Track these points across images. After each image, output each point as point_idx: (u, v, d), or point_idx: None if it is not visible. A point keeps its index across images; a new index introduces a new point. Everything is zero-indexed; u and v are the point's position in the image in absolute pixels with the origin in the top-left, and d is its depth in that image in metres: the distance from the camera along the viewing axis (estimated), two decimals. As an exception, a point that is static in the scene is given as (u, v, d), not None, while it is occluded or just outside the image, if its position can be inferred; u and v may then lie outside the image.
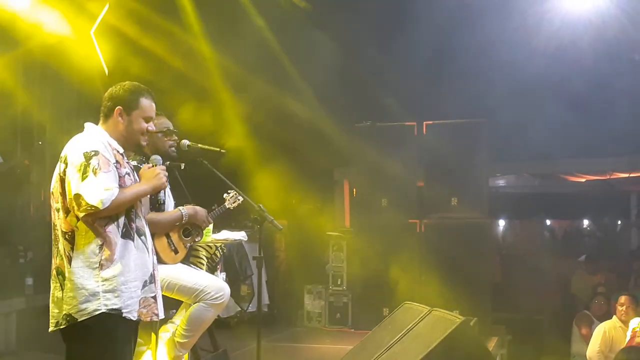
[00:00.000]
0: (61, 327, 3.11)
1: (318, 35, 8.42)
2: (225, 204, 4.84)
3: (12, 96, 7.29)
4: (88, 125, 3.38)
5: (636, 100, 8.34)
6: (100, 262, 3.11)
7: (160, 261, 4.37)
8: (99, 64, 7.21)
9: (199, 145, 4.57)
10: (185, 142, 4.55)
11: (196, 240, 4.63)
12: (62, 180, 3.17)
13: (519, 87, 8.42)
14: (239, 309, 7.21)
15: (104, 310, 3.08)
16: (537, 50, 8.11)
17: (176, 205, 4.54)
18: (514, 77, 8.21)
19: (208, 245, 4.92)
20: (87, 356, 3.14)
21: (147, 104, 3.39)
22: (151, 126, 3.42)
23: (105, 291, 3.09)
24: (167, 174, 3.40)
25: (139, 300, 3.19)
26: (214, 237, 5.10)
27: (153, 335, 4.37)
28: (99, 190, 3.06)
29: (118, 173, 3.20)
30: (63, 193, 3.16)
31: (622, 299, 6.79)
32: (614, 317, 6.80)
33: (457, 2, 7.77)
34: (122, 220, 3.20)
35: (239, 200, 4.80)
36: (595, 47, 8.26)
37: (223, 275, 6.13)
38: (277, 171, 8.31)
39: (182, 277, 4.41)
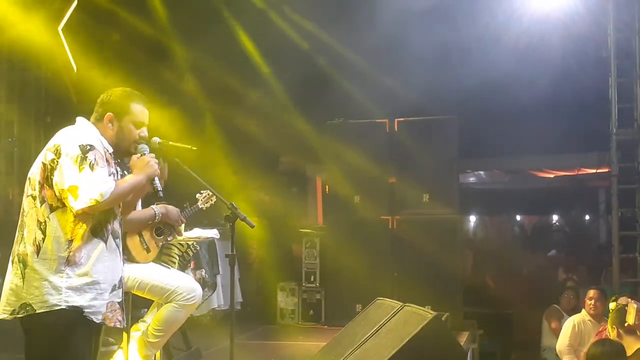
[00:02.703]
0: (18, 315, 3.05)
1: (287, 31, 8.43)
2: (198, 203, 4.82)
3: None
4: (80, 120, 3.31)
5: (603, 97, 8.46)
6: (67, 257, 3.05)
7: (132, 260, 4.35)
8: (67, 60, 7.13)
9: (170, 142, 4.53)
10: (156, 139, 4.49)
11: (168, 239, 4.61)
12: (47, 169, 3.08)
13: (489, 84, 8.49)
14: (212, 307, 7.18)
15: (63, 307, 3.02)
16: (507, 48, 8.19)
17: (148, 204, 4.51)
18: (484, 74, 8.27)
19: (180, 244, 4.90)
20: (42, 348, 3.07)
21: (139, 109, 3.35)
22: (143, 132, 3.37)
23: (69, 288, 3.03)
24: (157, 161, 3.35)
25: (106, 304, 3.13)
26: (186, 235, 5.07)
27: (124, 334, 4.35)
28: (99, 184, 3.02)
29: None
30: (44, 182, 3.09)
31: (591, 293, 6.88)
32: (583, 311, 6.89)
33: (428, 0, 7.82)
34: (97, 219, 3.14)
35: (211, 200, 4.78)
36: (564, 44, 8.37)
37: (202, 272, 6.11)
38: (247, 168, 8.31)
39: (153, 276, 4.38)
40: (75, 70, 7.05)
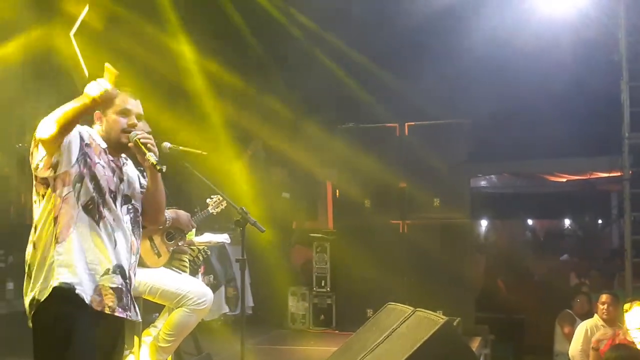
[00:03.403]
0: (29, 316, 3.04)
1: (299, 37, 8.44)
2: (209, 208, 4.83)
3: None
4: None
5: (615, 101, 8.42)
6: (55, 234, 3.02)
7: (143, 264, 4.36)
8: (79, 65, 7.15)
9: (180, 147, 4.54)
10: (167, 144, 4.52)
11: (179, 244, 4.62)
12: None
13: (500, 87, 8.47)
14: (223, 312, 7.18)
15: (56, 285, 2.97)
16: (518, 51, 8.16)
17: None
18: (495, 77, 8.26)
19: (190, 248, 4.90)
20: (43, 338, 3.03)
21: (120, 98, 3.20)
22: (131, 120, 3.24)
23: (60, 265, 3.00)
24: (105, 87, 2.97)
25: (95, 287, 3.04)
26: (197, 239, 5.08)
27: (136, 338, 4.35)
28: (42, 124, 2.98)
29: (88, 154, 3.10)
30: (34, 174, 3.12)
31: (604, 297, 6.84)
32: (596, 315, 6.84)
33: (437, 3, 7.81)
34: (86, 193, 3.08)
35: (222, 205, 4.79)
36: (575, 48, 8.33)
37: (210, 277, 6.11)
38: (256, 171, 8.30)
39: (164, 281, 4.39)
40: (87, 75, 7.07)
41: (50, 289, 2.99)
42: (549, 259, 12.38)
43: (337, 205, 8.61)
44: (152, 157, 3.16)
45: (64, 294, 2.99)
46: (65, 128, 2.99)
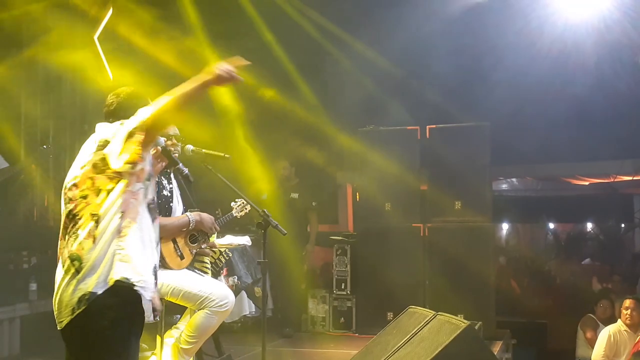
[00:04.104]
0: (78, 312, 2.96)
1: (318, 39, 8.44)
2: (233, 212, 4.86)
3: (17, 101, 7.31)
4: (111, 125, 3.26)
5: (638, 103, 8.34)
6: (119, 228, 3.02)
7: (166, 266, 4.39)
8: (103, 68, 7.23)
9: (203, 150, 4.57)
10: (189, 147, 4.55)
11: (202, 247, 4.64)
12: (98, 161, 3.07)
13: (522, 90, 8.42)
14: (244, 314, 7.20)
15: (117, 278, 2.97)
16: (540, 54, 8.12)
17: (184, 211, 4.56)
18: (517, 80, 8.21)
19: (212, 251, 4.92)
20: (102, 332, 2.98)
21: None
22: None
23: (121, 260, 2.99)
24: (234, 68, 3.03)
25: (154, 284, 3.09)
26: (218, 241, 5.10)
27: (158, 339, 4.38)
28: (139, 113, 3.03)
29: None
30: (95, 172, 3.06)
31: (627, 302, 6.78)
32: (619, 320, 6.78)
33: (459, 6, 7.78)
34: (151, 192, 3.15)
35: (246, 209, 4.81)
36: (598, 50, 8.26)
37: (234, 279, 6.14)
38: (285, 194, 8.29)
39: (187, 283, 4.41)
40: (112, 79, 7.14)
41: (112, 282, 2.97)
42: (571, 263, 12.30)
43: (357, 208, 8.59)
44: (182, 168, 3.41)
45: (124, 290, 2.99)
46: (185, 109, 3.02)
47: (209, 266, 4.77)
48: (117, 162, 3.03)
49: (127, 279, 2.99)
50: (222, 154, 4.61)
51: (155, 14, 7.24)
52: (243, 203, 4.80)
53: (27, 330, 6.50)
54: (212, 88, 3.03)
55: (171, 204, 4.46)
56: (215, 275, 4.85)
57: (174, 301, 4.44)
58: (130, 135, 3.03)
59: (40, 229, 7.26)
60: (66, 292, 3.02)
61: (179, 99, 2.97)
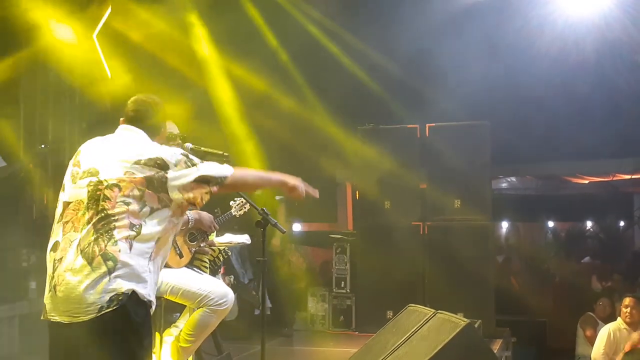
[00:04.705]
0: (107, 310, 2.97)
1: (318, 37, 8.43)
2: (232, 210, 4.84)
3: (15, 99, 7.29)
4: (140, 132, 3.32)
5: (638, 101, 8.33)
6: (152, 251, 3.11)
7: (165, 265, 4.38)
8: (102, 67, 7.21)
9: (202, 148, 4.55)
10: (188, 145, 4.53)
11: (201, 245, 4.63)
12: (155, 179, 3.11)
13: (522, 88, 8.41)
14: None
15: (140, 291, 3.04)
16: (540, 52, 8.10)
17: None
18: (517, 78, 8.20)
19: (211, 249, 4.91)
20: (133, 331, 3.06)
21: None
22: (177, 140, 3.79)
23: (145, 278, 3.09)
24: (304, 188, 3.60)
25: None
26: (217, 240, 5.09)
27: (157, 338, 4.37)
28: (218, 166, 3.27)
29: None
30: (153, 188, 3.10)
31: (627, 300, 6.78)
32: (619, 318, 6.78)
33: (460, 4, 7.77)
34: (180, 223, 3.34)
35: (245, 208, 4.80)
36: (598, 48, 8.25)
37: (231, 278, 6.13)
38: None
39: (186, 281, 4.40)
40: (110, 77, 7.12)
41: (136, 294, 3.04)
42: (571, 261, 12.30)
43: (357, 206, 8.59)
44: None
45: (144, 303, 3.08)
46: (257, 188, 3.63)
47: (207, 264, 4.76)
48: (177, 194, 3.15)
49: (145, 296, 3.08)
50: (221, 152, 4.60)
51: (153, 10, 7.24)
52: (242, 201, 4.79)
53: (25, 329, 6.49)
54: (283, 187, 3.54)
55: None
56: (213, 273, 4.84)
57: (173, 299, 4.43)
58: (206, 181, 3.21)
59: (39, 228, 7.24)
60: (94, 289, 2.99)
61: (258, 180, 3.57)
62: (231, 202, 4.83)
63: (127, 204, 3.07)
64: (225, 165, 3.31)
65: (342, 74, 8.59)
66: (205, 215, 4.53)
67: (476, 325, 4.77)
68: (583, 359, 7.67)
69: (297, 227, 9.06)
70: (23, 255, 7.02)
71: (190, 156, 3.24)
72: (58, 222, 3.20)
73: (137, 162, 3.12)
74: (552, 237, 15.37)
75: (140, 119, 3.33)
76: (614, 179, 11.46)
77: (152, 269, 3.11)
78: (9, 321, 6.49)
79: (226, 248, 5.16)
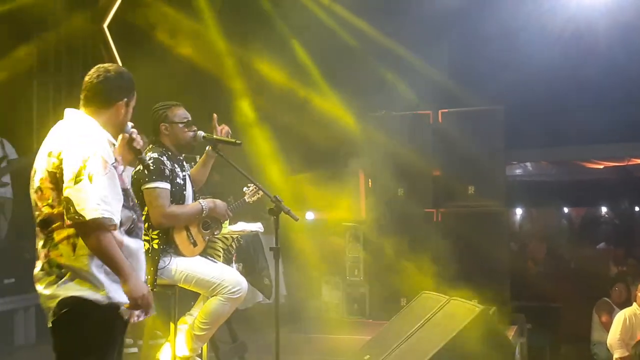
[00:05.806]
0: (60, 314, 3.02)
1: (332, 25, 8.39)
2: (245, 197, 4.84)
3: (29, 91, 7.32)
4: (76, 114, 3.22)
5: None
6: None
7: (179, 253, 4.40)
8: (113, 58, 7.22)
9: (215, 136, 4.56)
10: (201, 133, 4.54)
11: (215, 233, 4.64)
12: (55, 176, 3.03)
13: (535, 73, 8.34)
14: (257, 300, 7.20)
15: (107, 302, 3.01)
16: (553, 36, 8.04)
17: (195, 198, 4.55)
18: (530, 63, 8.13)
19: (225, 237, 4.92)
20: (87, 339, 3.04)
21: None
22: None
23: (113, 281, 3.03)
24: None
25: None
26: (230, 228, 5.10)
27: (172, 326, 4.39)
28: (93, 200, 2.91)
29: (116, 172, 3.10)
30: (57, 188, 3.03)
31: (643, 285, 6.73)
32: (635, 304, 6.74)
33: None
34: (127, 216, 3.12)
35: (258, 194, 4.80)
36: (611, 32, 8.17)
37: (239, 265, 6.13)
38: (291, 162, 8.30)
39: (200, 270, 4.41)
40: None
41: (104, 304, 3.05)
42: (586, 247, 12.23)
43: (369, 194, 8.56)
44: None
45: (96, 304, 3.05)
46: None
47: (220, 253, 4.77)
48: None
49: (98, 301, 3.02)
50: (234, 140, 4.60)
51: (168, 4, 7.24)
52: (255, 188, 4.78)
53: (42, 319, 6.52)
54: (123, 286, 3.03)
55: (184, 192, 4.46)
56: (227, 262, 4.84)
57: (187, 288, 4.44)
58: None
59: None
60: (48, 298, 3.09)
61: (104, 253, 2.97)
62: (244, 189, 4.83)
63: (52, 206, 3.09)
64: (94, 202, 2.94)
65: (355, 60, 8.56)
66: (220, 203, 4.54)
67: (491, 312, 4.76)
68: (599, 345, 7.63)
69: (310, 215, 9.01)
70: (30, 249, 7.04)
71: (88, 164, 2.97)
72: None
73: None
74: (567, 223, 15.27)
75: (94, 101, 3.28)
76: (629, 163, 11.36)
77: (106, 268, 3.01)
78: (26, 311, 6.53)
79: (239, 236, 5.17)
